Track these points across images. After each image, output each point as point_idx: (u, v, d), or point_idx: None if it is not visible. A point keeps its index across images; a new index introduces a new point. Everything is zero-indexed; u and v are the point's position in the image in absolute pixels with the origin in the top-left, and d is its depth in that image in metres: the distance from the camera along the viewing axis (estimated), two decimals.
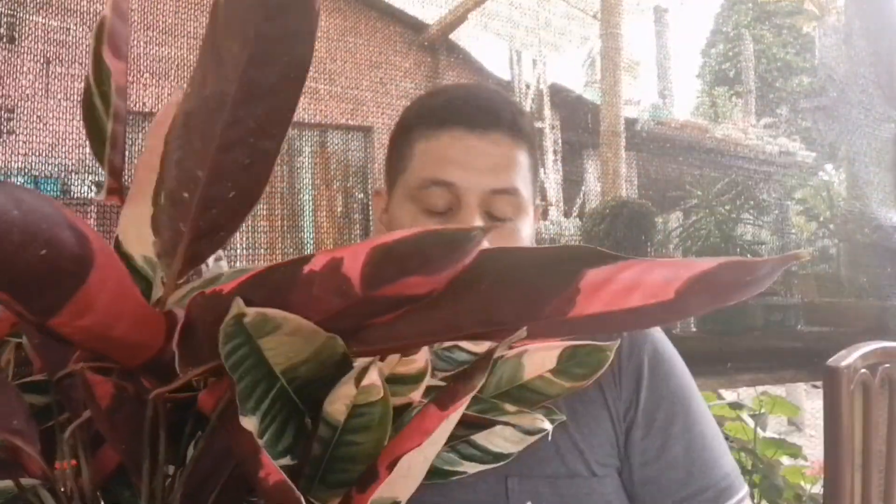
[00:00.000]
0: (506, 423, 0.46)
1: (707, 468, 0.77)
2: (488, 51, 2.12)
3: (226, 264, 0.52)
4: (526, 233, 0.77)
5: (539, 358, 0.47)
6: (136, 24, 1.34)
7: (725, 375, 1.69)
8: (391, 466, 0.34)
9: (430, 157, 0.76)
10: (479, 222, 0.73)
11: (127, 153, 1.44)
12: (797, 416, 4.82)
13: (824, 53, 2.28)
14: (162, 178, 0.40)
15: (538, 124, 2.81)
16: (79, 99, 1.26)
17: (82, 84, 1.34)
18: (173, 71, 1.36)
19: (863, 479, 1.26)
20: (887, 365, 1.33)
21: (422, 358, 0.41)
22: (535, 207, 0.83)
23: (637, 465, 0.76)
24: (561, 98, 2.82)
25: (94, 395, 0.37)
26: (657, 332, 0.83)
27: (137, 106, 1.34)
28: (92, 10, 1.30)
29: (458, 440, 0.47)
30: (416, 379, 0.42)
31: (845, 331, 1.80)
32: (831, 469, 1.23)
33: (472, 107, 0.76)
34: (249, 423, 0.33)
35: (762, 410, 2.22)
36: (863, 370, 1.27)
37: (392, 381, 0.41)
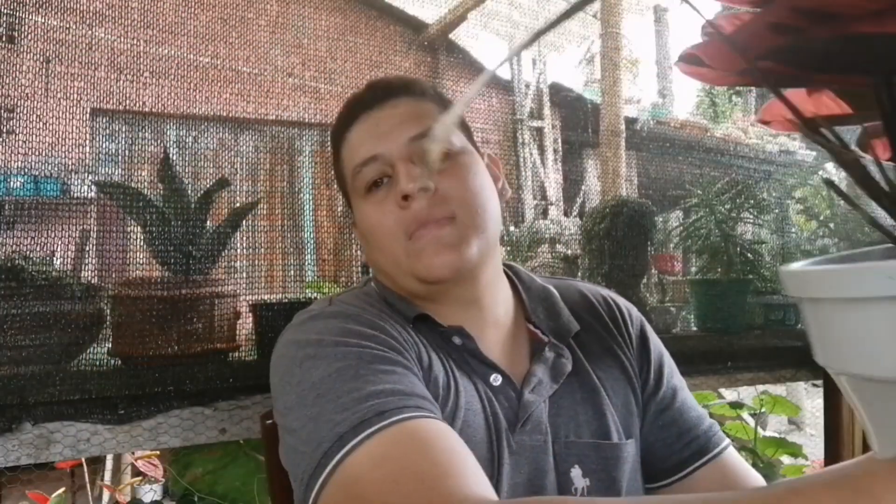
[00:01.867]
0: None
1: (702, 411, 0.91)
2: (488, 50, 2.12)
3: None
4: (475, 164, 0.82)
5: None
6: (135, 22, 1.34)
7: (725, 374, 1.69)
8: None
9: (351, 150, 0.83)
10: (413, 174, 0.77)
11: (128, 152, 1.44)
12: (797, 416, 4.82)
13: None
14: None
15: (538, 123, 2.81)
16: (78, 98, 1.26)
17: (82, 83, 1.34)
18: (173, 70, 1.36)
19: None
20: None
21: None
22: (485, 155, 0.88)
23: (655, 413, 0.88)
24: (561, 97, 2.81)
25: None
26: (628, 304, 0.95)
27: (137, 105, 1.34)
28: (91, 8, 1.30)
29: None
30: None
31: None
32: None
33: (365, 91, 0.85)
34: None
35: (762, 409, 2.22)
36: None
37: None
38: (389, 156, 0.79)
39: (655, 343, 0.92)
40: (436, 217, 0.77)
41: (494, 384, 0.79)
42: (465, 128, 0.88)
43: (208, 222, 1.28)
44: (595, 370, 0.85)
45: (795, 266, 0.41)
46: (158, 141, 1.37)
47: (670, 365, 0.92)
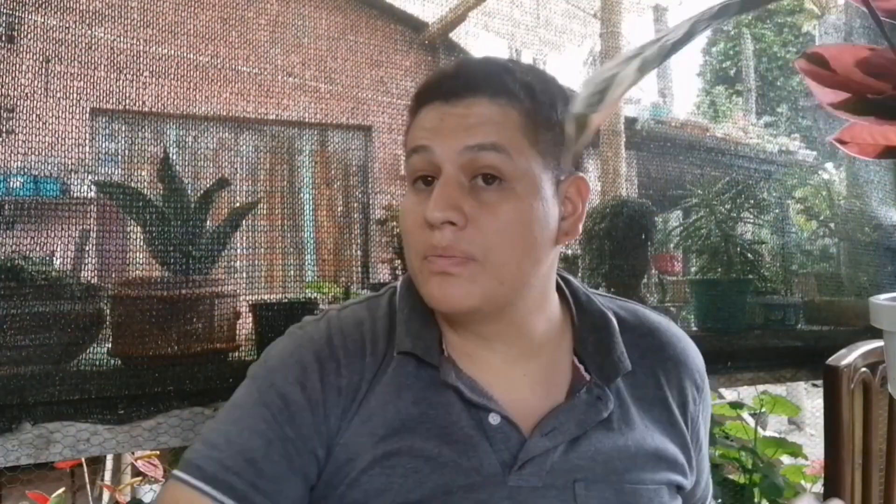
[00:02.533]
0: None
1: (707, 474, 0.90)
2: (488, 49, 2.12)
3: None
4: (529, 204, 0.72)
5: None
6: (135, 21, 1.33)
7: (726, 374, 1.68)
8: None
9: (413, 131, 0.76)
10: (445, 200, 0.71)
11: (128, 152, 1.44)
12: (797, 416, 4.82)
13: None
14: None
15: None
16: (78, 98, 1.26)
17: (82, 83, 1.34)
18: (173, 69, 1.35)
19: (863, 478, 1.26)
20: (886, 364, 1.33)
21: None
22: (568, 178, 0.77)
23: (695, 476, 0.85)
24: None
25: None
26: (698, 352, 0.90)
27: (137, 105, 1.34)
28: (91, 8, 1.29)
29: None
30: None
31: (845, 330, 1.80)
32: (831, 468, 1.23)
33: (448, 78, 0.76)
34: None
35: (762, 409, 2.22)
36: (863, 369, 1.27)
37: None
38: (440, 158, 0.72)
39: (707, 403, 0.88)
40: (453, 254, 0.71)
41: (493, 423, 0.74)
42: (550, 139, 0.75)
43: (208, 222, 1.28)
44: (643, 416, 0.79)
45: (882, 299, 0.42)
46: (158, 141, 1.37)
47: (707, 429, 0.89)
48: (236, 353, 1.27)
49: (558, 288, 0.84)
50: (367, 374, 0.76)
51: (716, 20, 0.35)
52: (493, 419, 0.74)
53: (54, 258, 1.20)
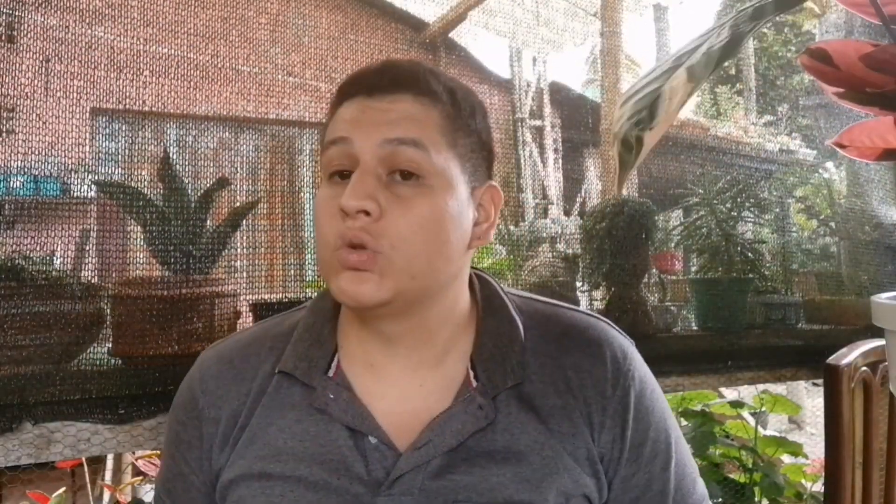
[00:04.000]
0: None
1: (683, 500, 0.81)
2: (488, 49, 2.12)
3: None
4: (444, 202, 0.72)
5: None
6: (135, 20, 1.33)
7: (726, 374, 1.68)
8: None
9: (333, 124, 0.76)
10: (361, 189, 0.70)
11: (128, 151, 1.44)
12: (798, 415, 4.82)
13: None
14: None
15: (538, 122, 2.81)
16: (78, 97, 1.26)
17: (82, 82, 1.34)
18: (173, 69, 1.35)
19: (863, 477, 1.26)
20: (888, 363, 1.33)
21: None
22: (483, 186, 0.78)
23: (623, 501, 0.78)
24: (561, 96, 2.81)
25: None
26: (639, 359, 0.82)
27: (137, 105, 1.33)
28: (91, 7, 1.29)
29: None
30: None
31: (846, 329, 1.80)
32: (832, 467, 1.23)
33: (373, 73, 0.76)
34: None
35: (763, 409, 2.22)
36: (863, 368, 1.27)
37: None
38: (359, 149, 0.72)
39: (639, 416, 0.78)
40: (360, 244, 0.70)
41: (372, 442, 0.74)
42: (468, 145, 0.77)
43: (208, 222, 1.28)
44: (541, 428, 0.75)
45: (883, 298, 0.42)
46: (158, 140, 1.37)
47: (655, 447, 0.79)
48: None
49: (472, 290, 0.82)
50: (251, 396, 0.78)
51: (756, 22, 0.34)
52: (372, 439, 0.74)
53: (54, 258, 1.20)
